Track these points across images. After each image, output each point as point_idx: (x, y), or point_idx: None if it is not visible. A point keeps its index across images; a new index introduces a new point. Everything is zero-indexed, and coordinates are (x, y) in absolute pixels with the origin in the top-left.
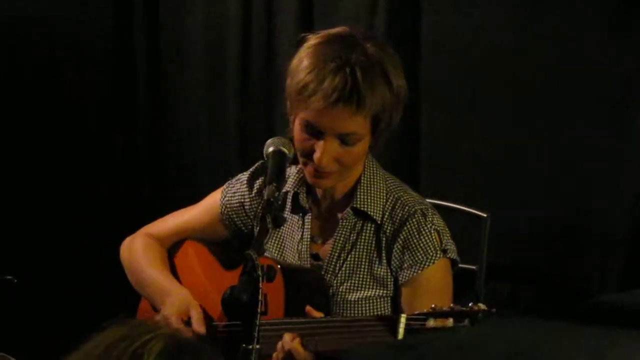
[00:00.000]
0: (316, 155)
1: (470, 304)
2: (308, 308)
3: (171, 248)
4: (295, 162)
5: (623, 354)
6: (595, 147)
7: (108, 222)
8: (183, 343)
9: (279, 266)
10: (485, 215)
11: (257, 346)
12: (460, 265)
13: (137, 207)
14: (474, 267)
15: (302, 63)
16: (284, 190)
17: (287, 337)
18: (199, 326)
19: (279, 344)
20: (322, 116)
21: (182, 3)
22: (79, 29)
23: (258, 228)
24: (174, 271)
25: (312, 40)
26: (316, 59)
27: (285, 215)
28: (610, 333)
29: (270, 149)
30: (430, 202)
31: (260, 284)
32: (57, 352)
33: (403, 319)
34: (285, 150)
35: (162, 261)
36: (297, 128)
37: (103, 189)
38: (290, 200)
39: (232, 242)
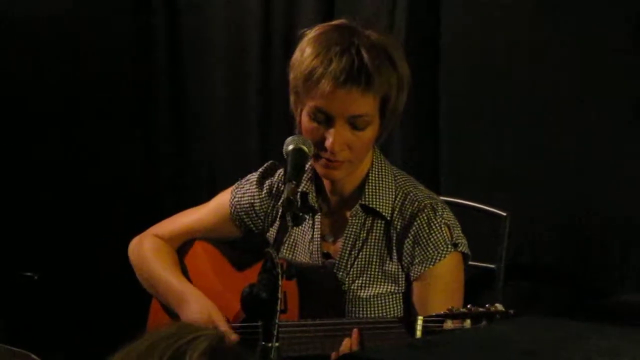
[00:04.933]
0: (328, 142)
1: (487, 305)
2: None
3: (180, 248)
4: None
5: None
6: (616, 148)
7: (128, 219)
8: (226, 346)
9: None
10: (504, 214)
11: (277, 344)
12: (480, 264)
13: (158, 205)
14: (493, 267)
15: (304, 53)
16: None
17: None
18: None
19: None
20: (332, 99)
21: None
22: (98, 28)
23: (277, 226)
24: (184, 271)
25: (312, 32)
26: (319, 45)
27: (304, 215)
28: (630, 332)
29: (290, 147)
30: (450, 201)
31: (280, 282)
32: (77, 349)
33: (420, 320)
34: (305, 149)
35: (173, 262)
36: (305, 119)
37: (123, 187)
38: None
39: (243, 242)
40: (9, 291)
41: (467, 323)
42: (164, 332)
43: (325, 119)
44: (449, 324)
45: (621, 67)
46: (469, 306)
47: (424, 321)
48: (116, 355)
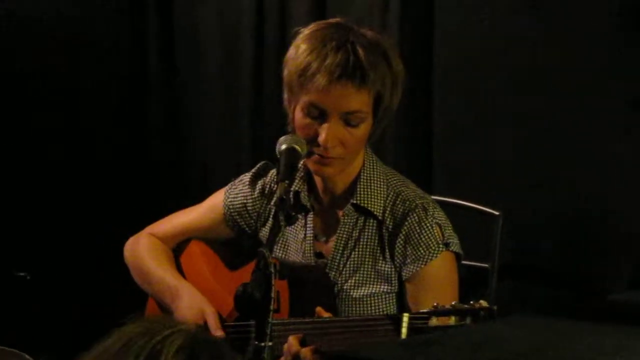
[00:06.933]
0: (321, 137)
1: (472, 302)
2: (318, 308)
3: (176, 248)
4: None
5: (635, 352)
6: (609, 146)
7: (122, 219)
8: (202, 340)
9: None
10: (497, 213)
11: (270, 343)
12: (473, 264)
13: (153, 205)
14: (486, 266)
15: (299, 49)
16: None
17: (292, 340)
18: (216, 331)
19: (285, 347)
20: (326, 94)
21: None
22: (92, 28)
23: (270, 225)
24: (180, 270)
25: (307, 30)
26: (315, 41)
27: (297, 214)
28: (623, 331)
29: (283, 147)
30: (443, 200)
31: (273, 281)
32: (70, 348)
33: (406, 318)
34: (298, 148)
35: (167, 259)
36: (299, 115)
37: (118, 186)
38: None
39: (237, 242)
40: (1, 291)
41: (452, 320)
42: (137, 329)
43: (319, 114)
44: (434, 321)
45: (614, 64)
46: (453, 303)
47: (410, 318)
48: (88, 356)
